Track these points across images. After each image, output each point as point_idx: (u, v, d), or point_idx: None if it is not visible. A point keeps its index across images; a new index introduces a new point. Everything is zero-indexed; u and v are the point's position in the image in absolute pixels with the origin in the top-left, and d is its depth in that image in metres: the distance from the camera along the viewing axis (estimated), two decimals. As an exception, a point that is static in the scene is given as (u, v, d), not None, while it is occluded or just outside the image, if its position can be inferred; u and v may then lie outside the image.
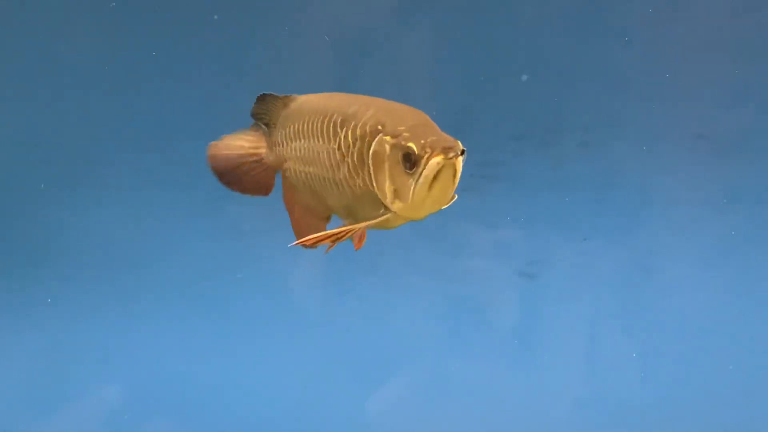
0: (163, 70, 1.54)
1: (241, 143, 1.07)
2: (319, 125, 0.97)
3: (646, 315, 1.64)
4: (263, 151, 1.06)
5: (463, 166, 0.87)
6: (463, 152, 0.87)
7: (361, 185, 0.93)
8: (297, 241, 0.94)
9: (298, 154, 1.00)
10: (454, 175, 0.87)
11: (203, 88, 1.55)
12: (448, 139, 0.88)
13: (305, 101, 1.02)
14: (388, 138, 0.89)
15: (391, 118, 0.91)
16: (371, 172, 0.91)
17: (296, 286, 1.62)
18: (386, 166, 0.89)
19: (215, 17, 1.52)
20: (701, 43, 1.59)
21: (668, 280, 1.64)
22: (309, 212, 1.04)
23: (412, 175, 0.87)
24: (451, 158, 0.86)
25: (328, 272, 1.63)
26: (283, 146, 1.03)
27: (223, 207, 1.55)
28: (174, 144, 1.53)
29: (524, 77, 1.57)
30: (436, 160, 0.86)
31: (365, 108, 0.93)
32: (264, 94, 1.04)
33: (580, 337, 1.63)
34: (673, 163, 1.62)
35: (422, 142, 0.87)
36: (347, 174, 0.94)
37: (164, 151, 1.55)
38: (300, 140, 1.00)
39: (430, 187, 0.87)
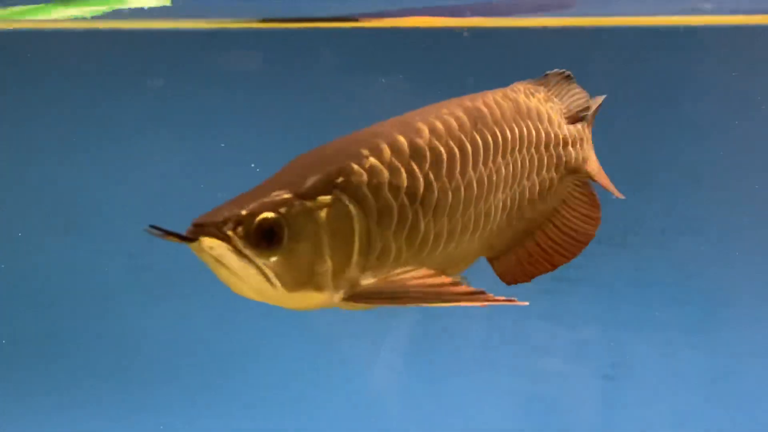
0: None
1: None
2: None
3: (730, 418, 1.62)
4: None
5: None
6: (215, 232, 0.71)
7: None
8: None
9: None
10: (214, 260, 0.72)
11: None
12: (218, 211, 0.73)
13: None
14: None
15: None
16: None
17: (377, 383, 1.64)
18: None
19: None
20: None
21: (753, 382, 1.62)
22: None
23: None
24: (191, 240, 0.71)
25: (409, 371, 1.64)
26: None
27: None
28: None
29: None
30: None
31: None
32: None
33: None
34: (755, 263, 1.62)
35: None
36: None
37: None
38: None
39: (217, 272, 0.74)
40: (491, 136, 0.87)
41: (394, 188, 0.78)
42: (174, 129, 1.58)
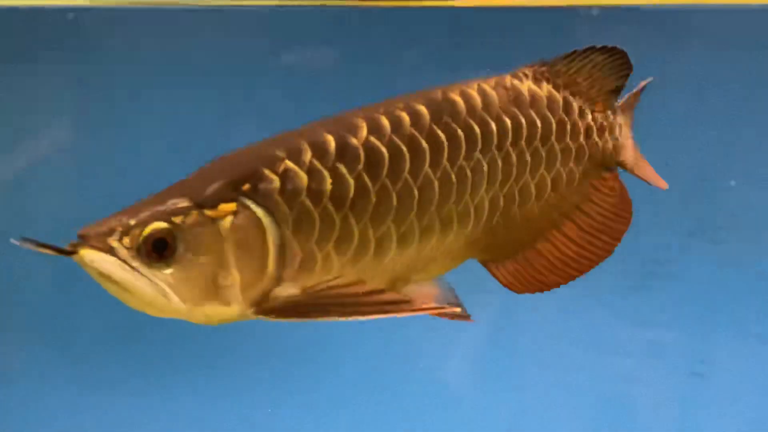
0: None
1: None
2: None
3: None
4: None
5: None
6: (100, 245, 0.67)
7: None
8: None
9: None
10: (98, 274, 0.68)
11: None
12: (106, 220, 0.69)
13: None
14: None
15: None
16: None
17: (455, 376, 1.63)
18: None
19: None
20: None
21: None
22: None
23: None
24: (70, 253, 0.67)
25: (485, 370, 1.62)
26: None
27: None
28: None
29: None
30: None
31: None
32: None
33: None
34: None
35: None
36: None
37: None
38: None
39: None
40: (464, 129, 0.80)
41: (315, 193, 0.73)
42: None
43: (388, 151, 0.76)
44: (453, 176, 0.80)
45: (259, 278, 0.71)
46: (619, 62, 0.89)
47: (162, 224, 0.68)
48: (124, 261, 0.68)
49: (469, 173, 0.80)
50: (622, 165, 0.91)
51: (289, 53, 1.50)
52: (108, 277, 0.68)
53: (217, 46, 1.52)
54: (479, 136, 0.81)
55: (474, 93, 0.82)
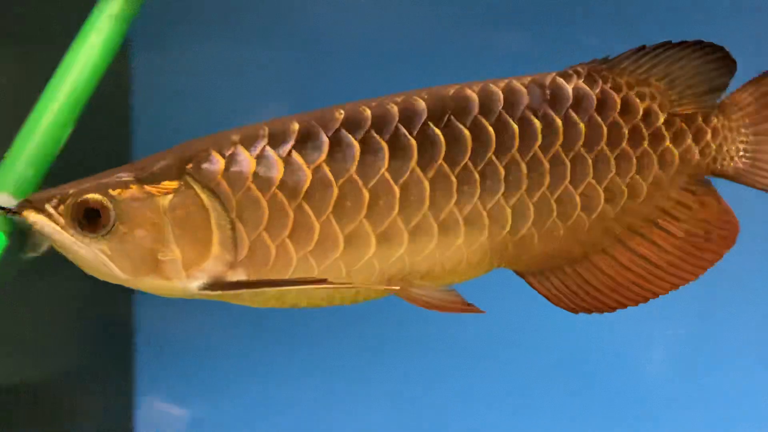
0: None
1: None
2: None
3: None
4: None
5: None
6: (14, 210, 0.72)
7: None
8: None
9: None
10: (44, 236, 0.73)
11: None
12: (56, 188, 0.74)
13: None
14: None
15: None
16: None
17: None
18: None
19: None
20: None
21: None
22: None
23: None
24: (15, 213, 0.73)
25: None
26: None
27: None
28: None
29: None
30: None
31: None
32: None
33: None
34: None
35: None
36: None
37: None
38: None
39: None
40: (472, 129, 0.76)
41: (262, 180, 0.73)
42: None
43: (362, 147, 0.75)
44: (452, 178, 0.76)
45: (203, 257, 0.72)
46: (710, 58, 0.81)
47: (96, 195, 0.71)
48: (61, 227, 0.71)
49: (476, 176, 0.77)
50: (723, 175, 0.82)
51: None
52: (50, 239, 0.71)
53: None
54: (492, 136, 0.77)
55: (497, 90, 0.78)
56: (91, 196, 0.71)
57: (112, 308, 1.57)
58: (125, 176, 0.72)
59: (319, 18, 1.55)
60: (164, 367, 1.60)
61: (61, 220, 0.71)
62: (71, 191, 0.71)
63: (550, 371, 1.54)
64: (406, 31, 1.52)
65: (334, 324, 1.51)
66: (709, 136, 0.81)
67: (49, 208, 0.71)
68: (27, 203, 0.71)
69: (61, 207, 0.71)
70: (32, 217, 0.71)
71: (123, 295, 1.52)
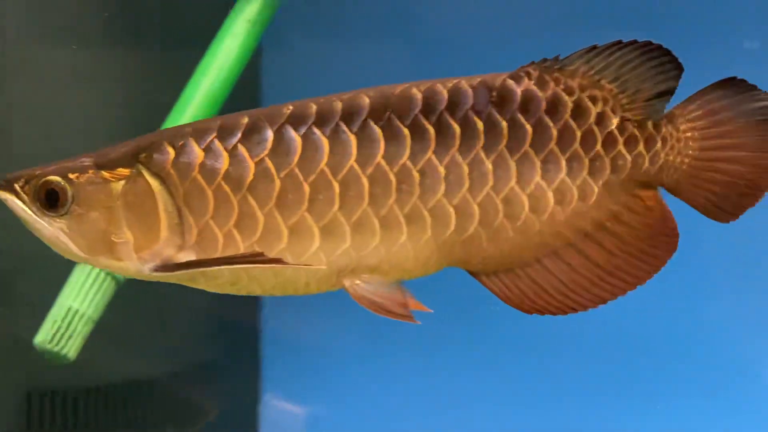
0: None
1: None
2: None
3: None
4: None
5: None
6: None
7: None
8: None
9: None
10: (14, 213, 0.79)
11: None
12: (29, 168, 0.79)
13: None
14: None
15: None
16: None
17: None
18: None
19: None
20: None
21: None
22: None
23: None
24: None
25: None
26: None
27: None
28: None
29: None
30: None
31: None
32: None
33: None
34: None
35: None
36: None
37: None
38: None
39: None
40: (412, 128, 0.76)
41: (208, 171, 0.76)
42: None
43: (303, 142, 0.76)
44: (391, 176, 0.77)
45: (153, 241, 0.76)
46: (658, 61, 0.79)
47: (56, 178, 0.76)
48: (27, 204, 0.77)
49: (415, 174, 0.77)
50: (664, 185, 0.81)
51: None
52: (17, 215, 0.78)
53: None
54: (432, 136, 0.77)
55: (442, 90, 0.78)
56: (51, 177, 0.76)
57: (239, 310, 1.60)
58: (86, 161, 0.77)
59: (440, 17, 1.55)
60: (287, 366, 1.63)
61: (26, 199, 0.77)
62: (37, 172, 0.77)
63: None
64: (525, 30, 1.51)
65: (454, 324, 1.52)
66: (658, 145, 0.80)
67: (17, 187, 0.77)
68: (3, 182, 0.78)
69: (27, 187, 0.77)
70: (2, 194, 0.77)
71: (250, 298, 1.55)
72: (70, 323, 1.26)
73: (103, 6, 1.44)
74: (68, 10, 1.41)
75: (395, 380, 1.61)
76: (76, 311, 1.26)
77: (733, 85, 0.80)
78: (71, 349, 1.27)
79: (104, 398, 1.46)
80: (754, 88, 0.81)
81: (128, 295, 1.30)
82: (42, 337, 1.27)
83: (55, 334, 1.26)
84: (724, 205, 0.81)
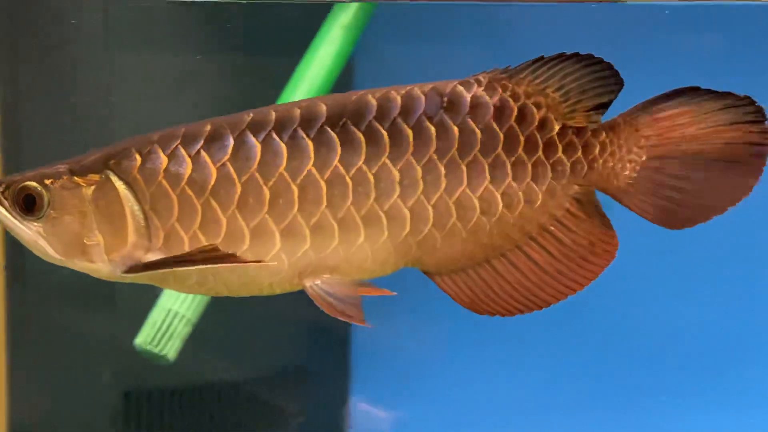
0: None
1: None
2: None
3: None
4: None
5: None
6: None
7: None
8: None
9: None
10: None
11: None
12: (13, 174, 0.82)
13: None
14: None
15: None
16: None
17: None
18: None
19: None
20: None
21: None
22: None
23: None
24: None
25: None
26: None
27: None
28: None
29: None
30: None
31: None
32: None
33: None
34: None
35: None
36: None
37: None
38: None
39: None
40: (367, 133, 0.79)
41: (173, 176, 0.79)
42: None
43: (262, 147, 0.79)
44: (347, 179, 0.80)
45: (122, 244, 0.80)
46: (599, 75, 0.82)
47: (33, 183, 0.80)
48: (6, 210, 0.81)
49: (371, 178, 0.80)
50: (606, 191, 0.83)
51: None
52: (2, 222, 0.81)
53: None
54: (385, 141, 0.80)
55: (396, 96, 0.81)
56: (29, 183, 0.80)
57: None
58: (62, 168, 0.81)
59: (529, 25, 1.55)
60: (375, 370, 1.64)
61: (7, 204, 0.81)
62: (17, 178, 0.81)
63: None
64: (623, 37, 1.50)
65: (535, 328, 1.52)
66: (597, 151, 0.82)
67: None
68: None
69: (7, 192, 0.81)
70: None
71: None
72: (170, 325, 1.29)
73: (217, 17, 1.47)
74: (179, 21, 1.44)
75: (482, 385, 1.62)
76: (176, 313, 1.29)
77: (683, 93, 0.82)
78: (171, 349, 1.29)
79: (199, 399, 1.49)
80: (707, 94, 0.82)
81: (224, 299, 1.32)
82: (143, 338, 1.30)
83: (155, 335, 1.29)
84: (671, 219, 0.82)
